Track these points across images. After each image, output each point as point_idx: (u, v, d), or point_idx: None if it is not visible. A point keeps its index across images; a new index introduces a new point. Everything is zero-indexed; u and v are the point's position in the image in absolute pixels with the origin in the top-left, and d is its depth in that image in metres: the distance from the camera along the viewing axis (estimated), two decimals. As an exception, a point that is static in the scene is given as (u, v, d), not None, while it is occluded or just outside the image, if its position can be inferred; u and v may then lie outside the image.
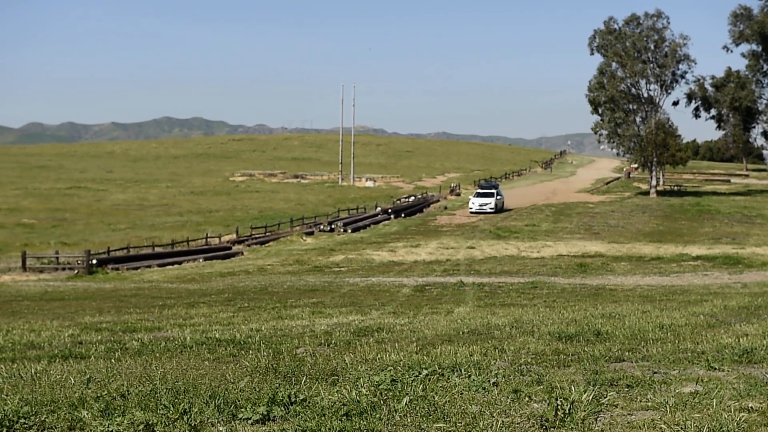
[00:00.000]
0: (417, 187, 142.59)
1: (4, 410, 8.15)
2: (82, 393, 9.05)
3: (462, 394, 8.71)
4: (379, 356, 11.62)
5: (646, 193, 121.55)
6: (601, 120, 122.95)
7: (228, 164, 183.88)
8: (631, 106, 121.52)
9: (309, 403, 8.42)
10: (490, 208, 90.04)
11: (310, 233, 77.07)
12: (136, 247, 61.52)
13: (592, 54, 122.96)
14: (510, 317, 17.97)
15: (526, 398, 8.51)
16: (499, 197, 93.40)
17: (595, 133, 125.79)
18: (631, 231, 75.12)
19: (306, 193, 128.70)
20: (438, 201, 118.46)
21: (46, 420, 7.95)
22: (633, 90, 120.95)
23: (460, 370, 10.06)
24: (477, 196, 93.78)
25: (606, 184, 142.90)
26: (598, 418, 7.70)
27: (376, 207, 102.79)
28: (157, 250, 60.94)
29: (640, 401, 8.27)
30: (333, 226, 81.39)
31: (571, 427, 7.43)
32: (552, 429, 7.47)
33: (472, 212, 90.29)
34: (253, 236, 74.12)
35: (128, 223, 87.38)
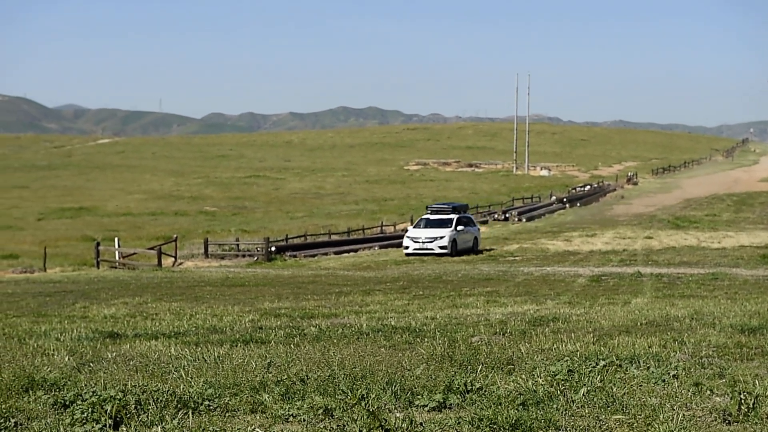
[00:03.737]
0: (593, 176, 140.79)
1: (189, 392, 8.42)
2: (263, 377, 9.27)
3: (641, 386, 8.58)
4: (555, 346, 11.55)
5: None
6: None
7: (402, 153, 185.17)
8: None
9: (485, 391, 8.42)
10: (440, 248, 48.13)
11: (485, 222, 76.95)
12: (313, 234, 62.59)
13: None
14: (690, 309, 17.55)
15: (708, 391, 8.33)
16: (461, 229, 49.94)
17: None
18: (817, 221, 72.38)
19: (480, 181, 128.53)
20: (614, 190, 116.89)
21: (229, 402, 8.18)
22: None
23: (639, 362, 9.91)
24: (422, 227, 50.43)
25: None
26: (784, 414, 7.46)
27: (550, 196, 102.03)
28: (334, 237, 61.84)
29: (829, 397, 7.98)
30: (507, 215, 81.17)
31: (755, 422, 7.23)
32: (735, 423, 7.28)
33: (407, 254, 48.80)
34: (427, 225, 74.34)
35: (305, 211, 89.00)
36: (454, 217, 50.81)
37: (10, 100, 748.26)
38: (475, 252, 50.28)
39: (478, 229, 54.62)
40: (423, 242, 48.72)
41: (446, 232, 48.96)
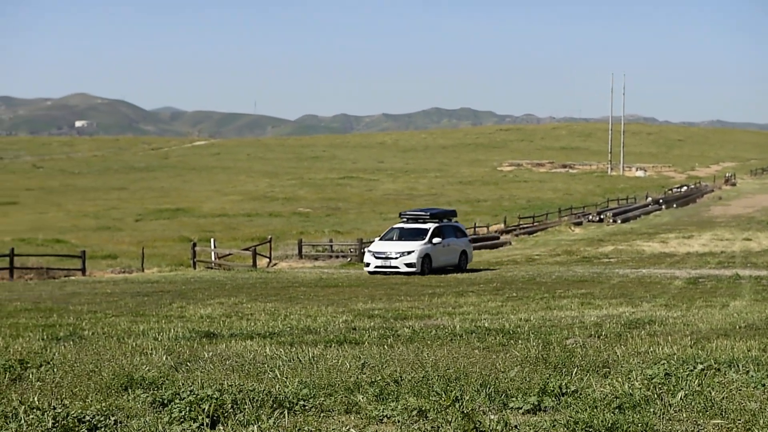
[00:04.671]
0: (689, 176, 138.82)
1: (285, 392, 8.50)
2: (357, 378, 9.32)
3: (740, 390, 8.44)
4: (651, 349, 11.43)
5: None
6: None
7: (495, 154, 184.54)
8: None
9: (580, 394, 8.36)
10: (407, 265, 38.32)
11: (579, 223, 76.39)
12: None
13: None
14: (790, 312, 17.22)
15: (810, 397, 8.15)
16: (438, 242, 39.75)
17: None
18: None
19: (574, 182, 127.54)
20: (712, 191, 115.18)
21: (324, 403, 8.24)
22: None
23: (738, 366, 9.75)
24: (394, 238, 40.43)
25: None
26: None
27: (646, 197, 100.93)
28: (426, 239, 61.79)
29: None
30: (602, 216, 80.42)
31: None
32: (838, 430, 7.12)
33: (369, 272, 38.95)
34: (520, 226, 74.06)
35: (398, 212, 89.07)
36: (431, 226, 40.49)
37: (110, 102, 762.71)
38: (461, 269, 40.24)
39: (468, 242, 44.00)
40: (388, 257, 38.76)
41: (416, 246, 38.89)
